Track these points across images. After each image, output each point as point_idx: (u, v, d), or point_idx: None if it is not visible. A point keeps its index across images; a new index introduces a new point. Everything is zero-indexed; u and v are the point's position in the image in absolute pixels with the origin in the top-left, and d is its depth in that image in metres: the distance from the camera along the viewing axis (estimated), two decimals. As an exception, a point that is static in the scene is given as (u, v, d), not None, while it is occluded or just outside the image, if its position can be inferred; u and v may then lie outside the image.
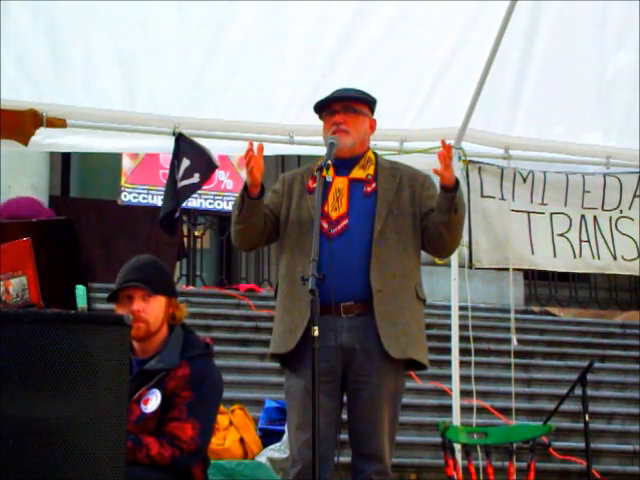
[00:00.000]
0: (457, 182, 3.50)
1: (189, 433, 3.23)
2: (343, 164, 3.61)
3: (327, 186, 3.53)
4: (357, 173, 3.64)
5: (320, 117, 3.73)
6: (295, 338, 3.46)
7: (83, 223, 9.89)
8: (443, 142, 3.48)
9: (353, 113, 3.64)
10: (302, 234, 3.54)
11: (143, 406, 3.28)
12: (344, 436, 3.51)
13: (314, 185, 3.49)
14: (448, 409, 5.38)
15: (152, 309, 3.38)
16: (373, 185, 3.62)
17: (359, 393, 3.48)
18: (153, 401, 3.28)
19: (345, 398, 3.56)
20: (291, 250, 3.59)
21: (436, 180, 3.62)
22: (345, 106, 3.64)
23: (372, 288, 3.46)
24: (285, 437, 5.35)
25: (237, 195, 3.58)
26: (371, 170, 3.66)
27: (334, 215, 3.53)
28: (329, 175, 3.49)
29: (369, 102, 3.72)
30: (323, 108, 3.69)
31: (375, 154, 3.76)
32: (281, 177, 3.81)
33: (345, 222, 3.53)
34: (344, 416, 3.57)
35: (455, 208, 3.49)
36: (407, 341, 3.50)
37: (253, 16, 4.40)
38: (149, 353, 3.40)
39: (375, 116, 3.74)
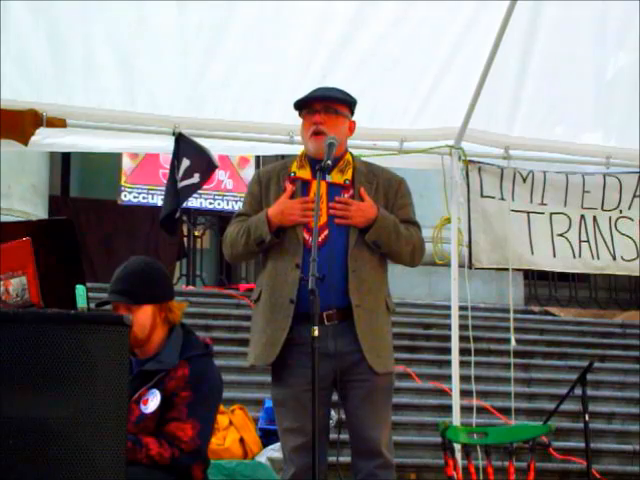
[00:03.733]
0: (374, 220, 3.50)
1: (189, 433, 3.23)
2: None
3: (305, 188, 3.54)
4: (335, 177, 3.59)
5: (300, 114, 3.69)
6: (275, 351, 3.50)
7: (83, 223, 9.90)
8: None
9: (334, 114, 3.60)
10: (283, 240, 3.54)
11: (143, 406, 3.28)
12: (344, 436, 3.52)
13: (292, 187, 3.54)
14: (448, 409, 5.38)
15: (136, 320, 3.33)
16: (351, 192, 3.59)
17: (352, 392, 3.50)
18: (152, 401, 3.28)
19: (338, 399, 3.58)
20: (274, 258, 3.58)
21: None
22: (326, 106, 3.59)
23: (351, 303, 3.47)
24: (285, 437, 5.36)
25: (257, 227, 3.54)
26: (349, 174, 3.62)
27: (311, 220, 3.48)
28: (329, 176, 3.50)
29: (350, 103, 3.68)
30: (303, 106, 3.65)
31: (352, 155, 3.73)
32: (256, 177, 3.77)
33: (325, 232, 3.51)
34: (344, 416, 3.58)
35: (378, 245, 3.53)
36: (386, 354, 3.56)
37: (253, 16, 4.40)
38: (149, 354, 3.40)
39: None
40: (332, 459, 3.64)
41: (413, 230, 3.66)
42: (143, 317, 3.39)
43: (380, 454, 3.48)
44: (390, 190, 3.67)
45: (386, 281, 3.68)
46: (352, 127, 3.71)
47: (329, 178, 3.52)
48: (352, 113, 3.71)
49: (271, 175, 3.69)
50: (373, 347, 3.49)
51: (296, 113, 4.14)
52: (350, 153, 3.73)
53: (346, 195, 3.58)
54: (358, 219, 3.50)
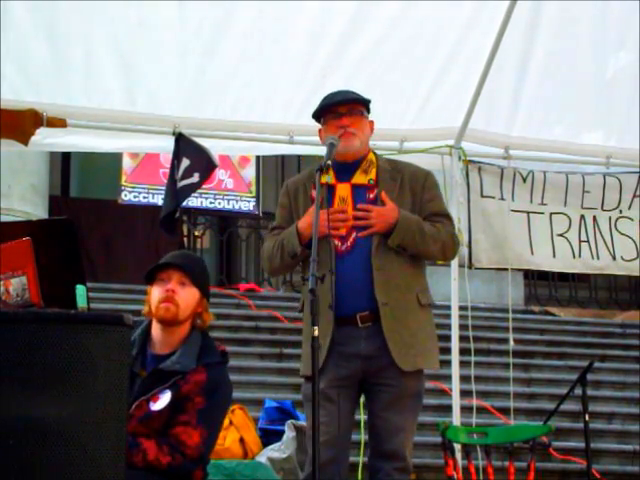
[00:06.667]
0: (395, 224, 3.51)
1: (195, 440, 3.20)
2: (345, 169, 3.60)
3: (330, 193, 3.54)
4: (359, 178, 3.62)
5: (319, 121, 3.69)
6: (322, 357, 3.41)
7: (83, 223, 9.89)
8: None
9: (359, 115, 3.63)
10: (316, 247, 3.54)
11: (151, 404, 3.26)
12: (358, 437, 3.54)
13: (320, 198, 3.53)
14: (448, 409, 5.38)
15: (185, 296, 3.35)
16: (375, 192, 3.60)
17: (380, 394, 3.51)
18: (161, 400, 3.25)
19: (363, 399, 3.61)
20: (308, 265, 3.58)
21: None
22: (350, 108, 3.61)
23: (377, 301, 3.48)
24: (285, 437, 5.37)
25: (289, 241, 3.58)
26: (373, 174, 3.64)
27: (343, 230, 3.52)
28: (329, 176, 3.50)
29: (368, 104, 3.70)
30: (325, 112, 3.65)
31: (375, 155, 3.74)
32: (284, 188, 3.79)
33: (353, 236, 3.54)
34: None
35: (403, 248, 3.54)
36: (415, 352, 3.53)
37: (253, 16, 4.40)
38: (167, 349, 3.36)
39: (375, 116, 3.74)
40: (354, 459, 3.66)
41: (440, 225, 3.64)
42: (190, 297, 3.38)
43: (402, 458, 3.48)
44: (417, 184, 3.67)
45: (419, 278, 3.69)
46: (372, 127, 3.74)
47: (329, 178, 3.50)
48: (369, 113, 3.73)
49: (298, 185, 3.72)
50: (401, 344, 3.48)
51: (296, 112, 4.15)
52: (374, 153, 3.74)
53: (371, 195, 3.60)
54: (380, 225, 3.52)
